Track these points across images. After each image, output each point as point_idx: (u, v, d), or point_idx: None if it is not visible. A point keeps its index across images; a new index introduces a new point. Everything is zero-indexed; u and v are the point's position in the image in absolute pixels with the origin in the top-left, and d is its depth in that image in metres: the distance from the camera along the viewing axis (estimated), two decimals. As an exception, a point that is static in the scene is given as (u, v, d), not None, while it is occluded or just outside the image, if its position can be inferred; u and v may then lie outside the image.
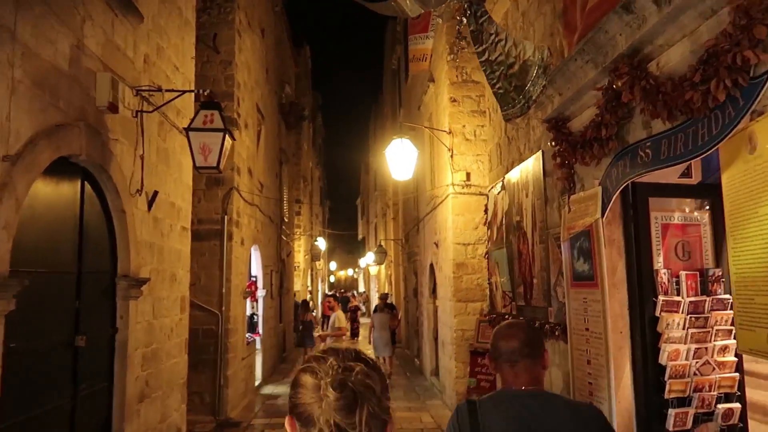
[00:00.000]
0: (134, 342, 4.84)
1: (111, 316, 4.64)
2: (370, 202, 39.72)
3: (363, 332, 18.49)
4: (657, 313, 3.61)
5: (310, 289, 26.29)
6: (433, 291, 11.70)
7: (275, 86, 14.49)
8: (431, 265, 11.31)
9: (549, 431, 1.82)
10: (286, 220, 16.43)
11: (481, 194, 8.93)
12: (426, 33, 9.31)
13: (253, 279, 11.59)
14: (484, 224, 6.78)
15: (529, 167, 5.12)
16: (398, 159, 8.28)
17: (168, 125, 5.83)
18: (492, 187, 6.43)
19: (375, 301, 24.30)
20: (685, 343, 3.63)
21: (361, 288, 47.63)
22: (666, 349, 3.58)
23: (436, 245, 10.38)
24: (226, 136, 4.91)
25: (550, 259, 4.63)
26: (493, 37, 4.16)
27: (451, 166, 9.02)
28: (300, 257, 22.07)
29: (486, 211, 6.66)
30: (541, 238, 4.84)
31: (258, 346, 11.60)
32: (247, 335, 10.64)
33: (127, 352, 4.70)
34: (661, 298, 3.62)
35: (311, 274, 27.76)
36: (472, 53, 9.35)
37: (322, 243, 22.77)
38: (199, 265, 9.02)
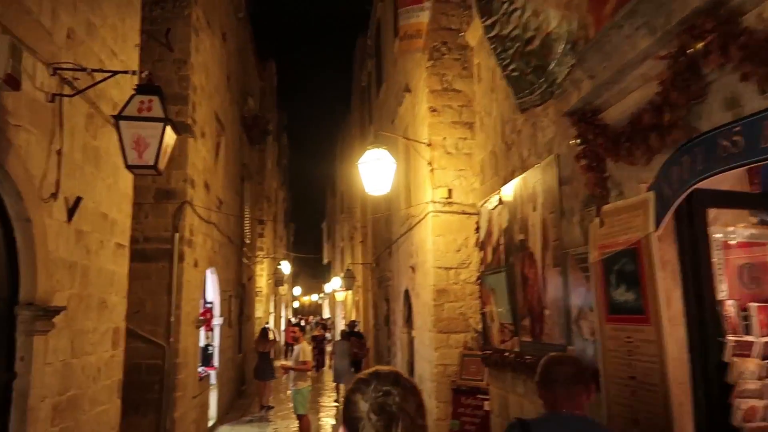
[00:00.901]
0: (40, 390, 3.74)
1: (7, 356, 3.55)
2: (337, 224, 38.67)
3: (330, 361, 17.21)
4: (725, 358, 2.77)
5: (273, 314, 24.94)
6: (408, 319, 10.74)
7: (237, 97, 13.51)
8: (406, 291, 10.37)
9: None
10: (248, 241, 15.30)
11: (463, 213, 8.11)
12: (421, 4, 8.42)
13: (209, 306, 10.44)
14: (476, 245, 5.91)
15: (538, 176, 4.28)
16: (373, 172, 7.38)
17: (101, 120, 4.81)
18: (485, 202, 5.58)
19: (341, 327, 23.16)
20: (762, 399, 2.80)
21: (326, 314, 46.20)
22: (740, 407, 2.73)
23: (413, 269, 9.47)
24: (168, 127, 3.94)
25: (570, 285, 3.76)
26: (506, 6, 3.35)
27: (431, 181, 8.17)
28: (263, 282, 20.83)
29: (477, 229, 5.80)
30: (556, 260, 3.97)
31: (213, 380, 10.38)
32: (200, 369, 9.45)
33: (28, 403, 3.60)
34: (730, 338, 2.79)
35: (274, 300, 26.43)
36: (453, 59, 8.64)
37: (286, 267, 21.61)
38: (144, 289, 7.88)
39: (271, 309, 24.92)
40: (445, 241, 8.05)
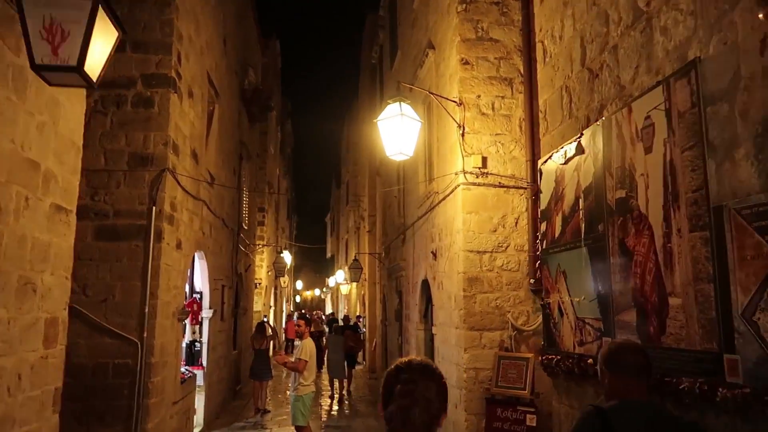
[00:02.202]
0: None
1: None
2: (342, 216, 37.30)
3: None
4: None
5: (273, 308, 23.60)
6: (425, 314, 9.36)
7: (235, 66, 12.12)
8: (424, 282, 8.98)
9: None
10: (246, 227, 13.93)
11: (501, 186, 6.72)
12: None
13: (196, 296, 9.07)
14: (534, 217, 4.51)
15: (656, 100, 2.89)
16: (394, 130, 5.99)
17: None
18: (548, 158, 4.19)
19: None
20: None
21: (329, 309, 44.89)
22: None
23: (434, 255, 8.07)
24: (101, 10, 2.53)
25: (731, 257, 2.37)
26: None
27: (462, 147, 6.77)
28: (262, 273, 19.47)
29: (536, 195, 4.40)
30: (696, 221, 2.58)
31: (200, 381, 9.02)
32: (183, 369, 8.09)
33: None
34: None
35: (275, 293, 25.08)
36: (490, 3, 7.22)
37: (287, 257, 20.24)
38: (113, 274, 6.52)
39: (272, 303, 23.57)
40: (479, 220, 6.65)
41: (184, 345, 8.65)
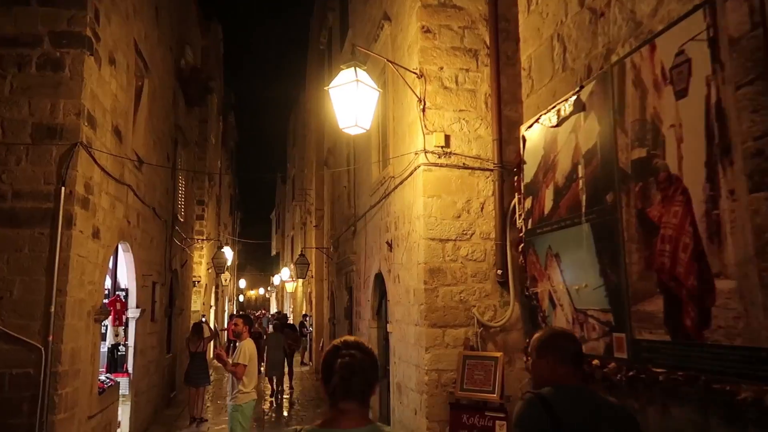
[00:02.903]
0: None
1: None
2: (287, 212, 36.15)
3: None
4: None
5: (213, 308, 22.33)
6: (378, 311, 8.65)
7: (170, 41, 11.04)
8: (378, 276, 8.27)
9: (614, 417, 2.12)
10: (182, 219, 12.82)
11: (465, 167, 6.07)
12: None
13: (120, 293, 8.02)
14: (515, 190, 3.87)
15: (698, 26, 2.26)
16: (348, 99, 5.22)
17: None
18: (536, 120, 3.54)
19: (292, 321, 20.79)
20: None
21: (274, 308, 43.55)
22: None
23: (390, 246, 7.36)
24: None
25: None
26: None
27: (423, 124, 6.07)
28: (202, 270, 18.27)
29: (519, 167, 3.75)
30: (760, 178, 1.95)
31: (125, 390, 7.97)
32: (103, 378, 7.06)
33: None
34: None
35: (216, 292, 23.78)
36: (453, -35, 6.57)
37: (228, 252, 19.08)
38: (11, 267, 5.49)
39: (212, 302, 22.31)
40: (441, 205, 5.98)
41: (105, 350, 7.60)
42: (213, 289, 22.41)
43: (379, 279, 8.27)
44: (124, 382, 7.88)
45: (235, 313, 28.15)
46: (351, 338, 1.84)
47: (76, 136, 5.74)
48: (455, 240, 5.97)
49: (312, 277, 18.46)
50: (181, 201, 12.78)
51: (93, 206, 6.20)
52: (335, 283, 13.44)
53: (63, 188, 5.60)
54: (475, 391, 5.52)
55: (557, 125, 3.25)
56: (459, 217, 6.01)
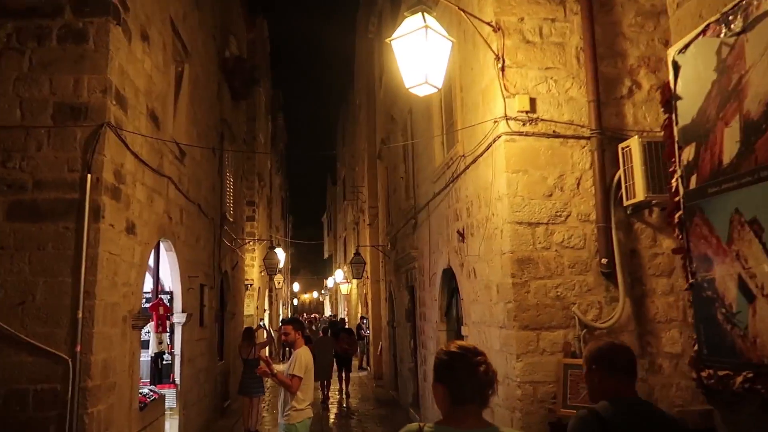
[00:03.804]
0: None
1: None
2: (339, 213, 35.58)
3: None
4: None
5: (267, 312, 21.82)
6: (447, 312, 7.65)
7: (212, 28, 10.39)
8: (446, 271, 7.27)
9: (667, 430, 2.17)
10: (231, 219, 12.18)
11: (556, 136, 5.02)
12: None
13: (164, 297, 7.31)
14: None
15: None
16: (415, 51, 4.26)
17: None
18: (703, 31, 2.47)
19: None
20: None
21: (328, 312, 43.10)
22: None
23: (461, 235, 6.36)
24: None
25: None
26: None
27: (503, 87, 5.05)
28: (254, 273, 17.71)
29: (669, 105, 2.68)
30: None
31: (171, 403, 7.26)
32: (145, 391, 6.35)
33: None
34: None
35: (269, 295, 23.29)
36: None
37: (280, 253, 18.47)
38: (33, 267, 4.79)
39: (266, 306, 21.80)
40: (528, 181, 4.94)
41: (147, 359, 6.91)
42: (266, 293, 21.91)
43: (448, 275, 7.27)
44: (170, 394, 7.17)
45: (284, 318, 27.26)
46: (470, 344, 1.93)
47: (103, 116, 5.00)
48: (547, 223, 4.91)
49: (367, 278, 17.61)
50: (229, 200, 12.14)
51: (126, 198, 5.47)
52: (393, 282, 12.50)
53: (89, 175, 4.87)
54: (582, 409, 4.44)
55: (743, 31, 2.18)
56: (550, 195, 4.95)
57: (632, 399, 2.21)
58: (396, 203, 11.93)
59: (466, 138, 6.14)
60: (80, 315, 4.68)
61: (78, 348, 4.63)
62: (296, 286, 49.26)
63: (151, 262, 7.15)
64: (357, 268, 14.64)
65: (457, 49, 6.24)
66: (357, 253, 14.85)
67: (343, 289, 27.34)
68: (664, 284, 4.94)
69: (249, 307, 16.92)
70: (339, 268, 30.08)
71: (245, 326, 11.69)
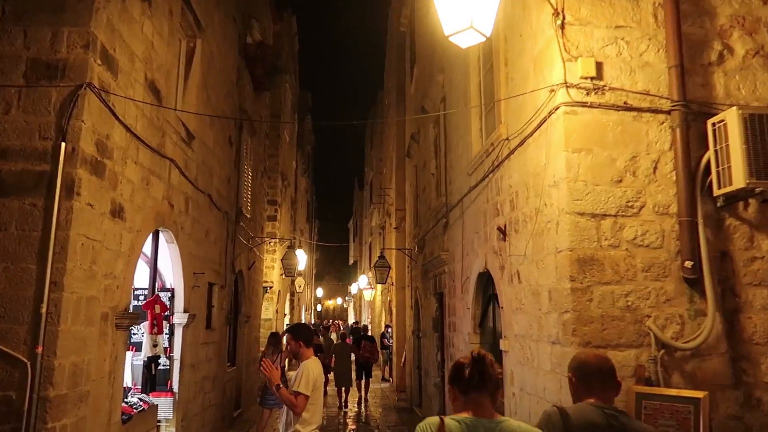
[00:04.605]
0: None
1: None
2: (365, 219, 34.76)
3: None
4: None
5: (288, 317, 21.04)
6: (482, 322, 6.69)
7: (233, 10, 9.68)
8: (482, 275, 6.33)
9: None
10: (248, 216, 11.42)
11: (628, 108, 4.07)
12: None
13: (163, 294, 6.51)
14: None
15: None
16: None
17: None
18: None
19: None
20: None
21: (351, 319, 42.24)
22: None
23: (503, 233, 5.41)
24: None
25: None
26: None
27: (563, 46, 4.13)
28: (274, 275, 16.94)
29: None
30: None
31: (168, 413, 6.45)
32: (134, 400, 5.54)
33: None
34: None
35: (291, 300, 22.52)
36: None
37: (301, 254, 17.69)
38: (-8, 250, 4.01)
39: (287, 310, 21.02)
40: (592, 163, 4.00)
41: (140, 362, 6.11)
42: (287, 297, 21.14)
43: (484, 279, 6.33)
44: (166, 403, 6.36)
45: (288, 325, 26.26)
46: (482, 352, 2.17)
47: (83, 76, 4.24)
48: (616, 215, 3.96)
49: (392, 284, 16.69)
50: (247, 195, 11.39)
51: (111, 175, 4.69)
52: (420, 289, 11.56)
53: (63, 144, 4.10)
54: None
55: None
56: (620, 181, 4.00)
57: (600, 404, 2.31)
58: (425, 203, 11.02)
59: (512, 118, 5.22)
60: (44, 309, 3.89)
61: (39, 349, 3.84)
62: (320, 292, 48.54)
63: (148, 253, 6.38)
64: (381, 273, 13.73)
65: (501, 15, 5.33)
66: (381, 256, 13.97)
67: (366, 296, 26.46)
68: (765, 296, 3.93)
69: (268, 311, 16.15)
70: (363, 273, 29.22)
71: (271, 332, 10.80)
